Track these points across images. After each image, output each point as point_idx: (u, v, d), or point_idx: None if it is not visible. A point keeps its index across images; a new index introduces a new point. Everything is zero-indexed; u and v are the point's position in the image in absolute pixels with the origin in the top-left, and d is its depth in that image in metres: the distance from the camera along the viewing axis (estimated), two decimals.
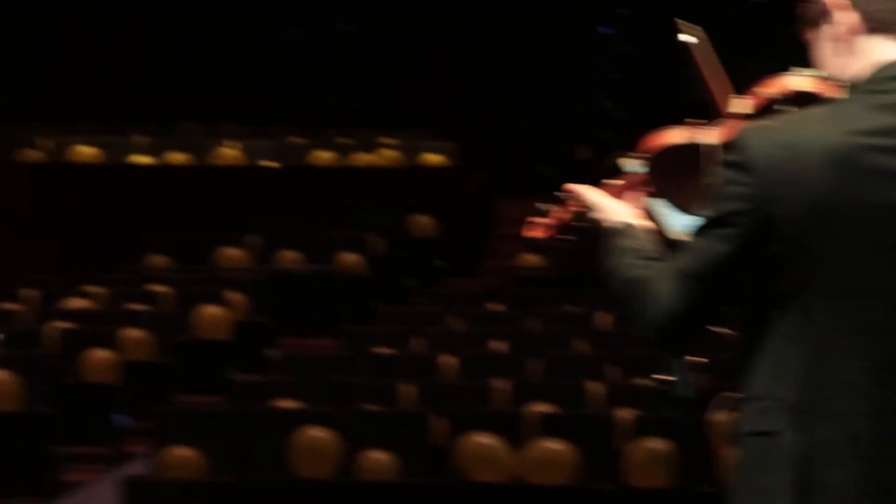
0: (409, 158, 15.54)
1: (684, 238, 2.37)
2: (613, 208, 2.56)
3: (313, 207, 14.05)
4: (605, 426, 8.13)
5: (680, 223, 2.51)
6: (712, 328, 2.35)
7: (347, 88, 16.68)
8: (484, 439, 8.09)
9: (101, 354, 10.08)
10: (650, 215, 2.55)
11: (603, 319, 10.69)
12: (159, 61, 16.21)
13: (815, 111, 2.31)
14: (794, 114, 2.36)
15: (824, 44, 2.36)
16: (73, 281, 12.07)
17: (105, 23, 16.37)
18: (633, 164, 2.60)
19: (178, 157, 15.20)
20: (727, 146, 2.29)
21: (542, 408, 8.39)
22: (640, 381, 8.84)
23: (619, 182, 2.62)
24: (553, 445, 8.05)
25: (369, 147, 15.60)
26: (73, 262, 13.05)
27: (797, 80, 2.47)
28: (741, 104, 2.51)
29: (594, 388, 8.70)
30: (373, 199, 14.28)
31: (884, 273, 2.20)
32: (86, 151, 15.04)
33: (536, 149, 16.11)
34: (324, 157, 15.42)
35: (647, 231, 2.50)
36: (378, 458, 8.11)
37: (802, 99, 2.43)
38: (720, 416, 6.85)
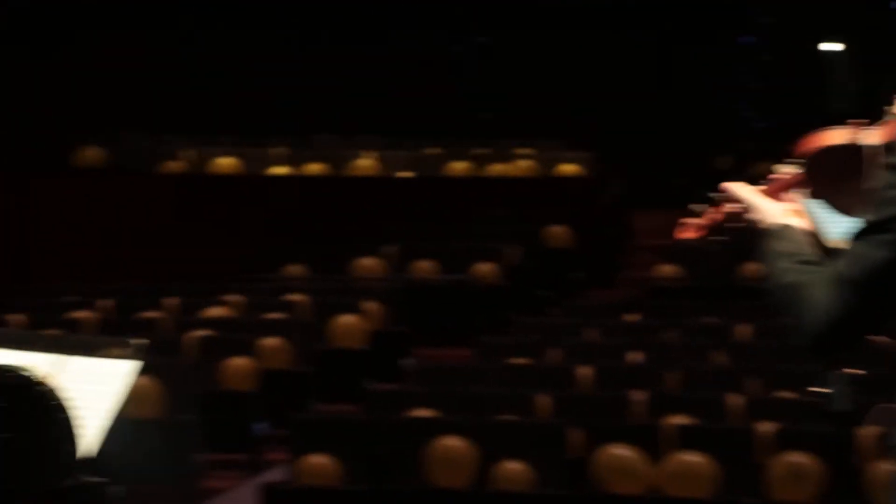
0: (544, 169, 15.48)
1: (843, 242, 2.29)
2: (770, 209, 2.46)
3: (449, 218, 14.07)
4: (746, 439, 7.99)
5: (839, 226, 2.42)
6: (870, 338, 2.26)
7: (483, 99, 16.68)
8: (621, 451, 8.01)
9: (239, 362, 10.18)
10: (808, 217, 2.46)
11: (742, 331, 10.53)
12: (297, 75, 16.38)
13: None
14: None
15: None
16: (212, 290, 12.22)
17: (245, 38, 16.58)
18: (790, 166, 2.51)
19: (315, 168, 15.33)
20: (889, 148, 2.21)
21: (680, 420, 8.28)
22: (781, 394, 8.69)
23: (776, 182, 2.53)
24: (692, 458, 7.94)
25: (505, 157, 15.58)
26: (212, 272, 13.22)
27: None
28: None
29: (734, 400, 8.56)
30: (508, 209, 14.25)
31: None
32: (225, 163, 15.24)
33: (674, 159, 15.95)
34: (459, 167, 15.44)
35: (805, 233, 2.40)
36: (514, 468, 8.07)
37: None
38: (871, 430, 6.69)
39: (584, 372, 9.33)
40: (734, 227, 2.51)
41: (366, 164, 15.31)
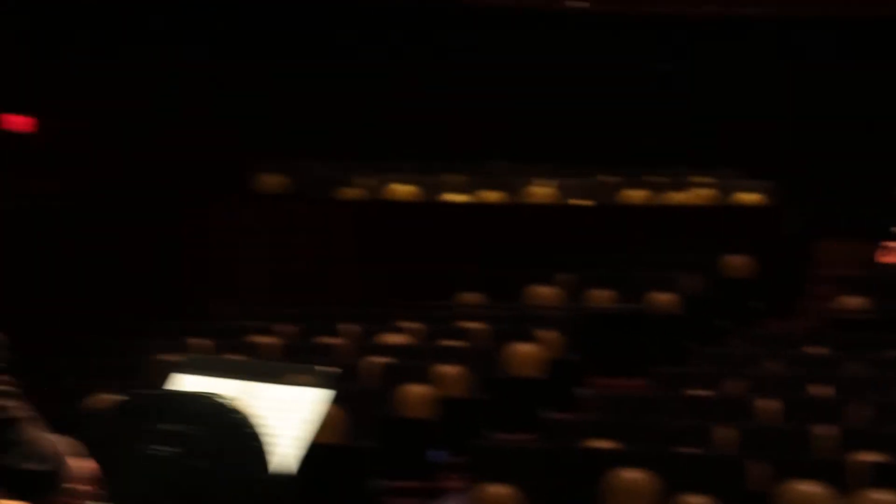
0: (723, 197, 15.26)
1: None
2: None
3: (626, 246, 13.94)
4: None
5: None
6: None
7: (660, 127, 16.52)
8: (808, 487, 7.80)
9: (417, 389, 10.21)
10: None
11: None
12: (473, 101, 16.42)
13: None
14: None
15: None
16: (390, 316, 12.29)
17: (422, 66, 16.70)
18: None
19: (491, 196, 15.35)
20: None
21: (869, 456, 8.04)
22: None
23: None
24: (883, 497, 7.70)
25: (682, 185, 15.40)
26: (390, 298, 13.30)
27: None
28: None
29: None
30: (686, 238, 14.06)
31: None
32: (402, 190, 15.35)
33: (858, 188, 15.58)
34: (636, 195, 15.30)
35: None
36: (695, 502, 7.92)
37: None
38: None
39: (767, 404, 9.13)
40: None
41: (542, 191, 15.26)
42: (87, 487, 2.76)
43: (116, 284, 13.15)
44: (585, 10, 16.46)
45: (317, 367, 2.88)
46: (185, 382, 2.84)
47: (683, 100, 16.73)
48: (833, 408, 9.06)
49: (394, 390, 10.13)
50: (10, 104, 13.64)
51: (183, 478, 2.00)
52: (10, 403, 2.62)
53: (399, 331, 11.82)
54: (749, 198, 15.21)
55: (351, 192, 15.49)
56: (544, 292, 13.20)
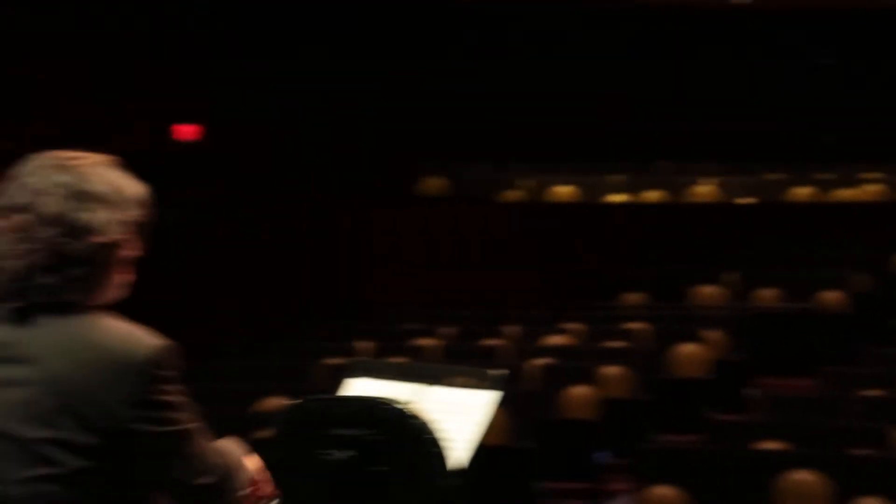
0: (893, 193, 14.89)
1: None
2: None
3: (792, 244, 13.70)
4: None
5: None
6: None
7: (827, 122, 16.19)
8: None
9: (580, 391, 10.14)
10: None
11: None
12: (634, 102, 16.30)
13: None
14: None
15: None
16: (552, 318, 12.25)
17: (582, 66, 16.61)
18: None
19: (653, 196, 15.21)
20: None
21: None
22: None
23: None
24: None
25: (851, 182, 15.07)
26: (552, 299, 13.27)
27: None
28: None
29: None
30: (855, 235, 13.76)
31: None
32: (564, 191, 15.30)
33: None
34: (803, 192, 15.03)
35: None
36: None
37: None
38: None
39: None
40: None
41: (705, 190, 15.08)
42: (257, 490, 2.79)
43: (280, 287, 13.34)
44: (747, 5, 16.22)
45: (485, 370, 2.86)
46: (354, 386, 2.85)
47: (846, 97, 16.38)
48: None
49: (556, 392, 10.09)
50: (179, 114, 13.94)
51: (357, 482, 1.99)
52: (183, 416, 2.65)
53: (562, 332, 11.78)
54: None
55: (512, 195, 15.48)
56: (709, 292, 13.05)
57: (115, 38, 13.49)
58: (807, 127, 16.24)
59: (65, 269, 2.60)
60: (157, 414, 2.59)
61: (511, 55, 16.66)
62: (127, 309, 2.72)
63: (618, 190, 15.34)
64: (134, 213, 2.71)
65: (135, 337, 2.62)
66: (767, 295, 12.85)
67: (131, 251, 2.72)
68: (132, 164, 2.80)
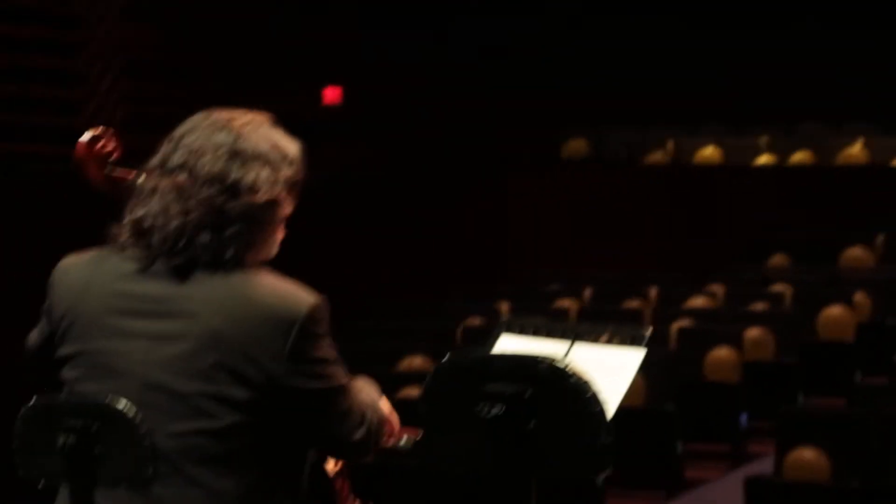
0: None
1: None
2: None
3: None
4: None
5: None
6: None
7: None
8: None
9: (722, 353, 10.06)
10: None
11: None
12: (781, 64, 16.03)
13: None
14: None
15: None
16: (695, 280, 12.17)
17: (725, 29, 16.39)
18: None
19: (800, 158, 14.98)
20: None
21: None
22: None
23: None
24: None
25: None
26: (695, 262, 13.17)
27: None
28: None
29: None
30: None
31: None
32: (709, 154, 15.15)
33: None
34: None
35: None
36: None
37: None
38: None
39: None
40: None
41: (854, 152, 14.80)
42: (393, 431, 2.84)
43: (422, 249, 13.43)
44: None
45: (632, 327, 2.87)
46: (502, 342, 2.88)
47: None
48: None
49: (698, 354, 10.03)
50: (327, 77, 14.06)
51: (512, 440, 2.00)
52: (337, 371, 2.70)
53: (705, 294, 11.70)
54: None
55: (657, 158, 15.38)
56: (857, 255, 12.83)
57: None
58: None
59: (223, 227, 2.66)
60: (313, 369, 2.63)
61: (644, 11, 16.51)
62: (275, 267, 2.77)
63: (764, 152, 15.13)
64: (290, 172, 2.76)
65: (291, 293, 2.67)
66: None
67: (287, 209, 2.78)
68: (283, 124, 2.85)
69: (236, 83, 11.66)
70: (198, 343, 2.61)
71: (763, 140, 15.23)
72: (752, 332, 10.36)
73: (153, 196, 2.68)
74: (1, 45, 10.50)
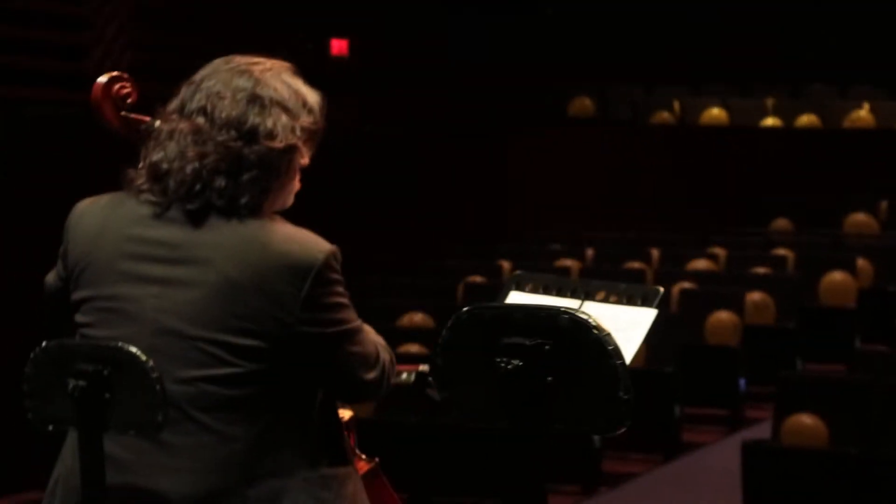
0: None
1: None
2: None
3: None
4: None
5: None
6: None
7: None
8: None
9: (722, 316, 10.05)
10: None
11: None
12: (790, 23, 15.95)
13: None
14: None
15: None
16: (698, 242, 12.15)
17: None
18: None
19: (806, 121, 14.93)
20: None
21: None
22: None
23: None
24: None
25: None
26: (699, 224, 13.15)
27: None
28: None
29: None
30: None
31: None
32: (714, 114, 15.10)
33: None
34: None
35: None
36: None
37: None
38: None
39: None
40: None
41: (861, 116, 14.75)
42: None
43: (423, 206, 13.40)
44: None
45: (643, 287, 2.85)
46: (512, 297, 2.86)
47: None
48: None
49: (699, 317, 10.01)
50: (335, 28, 13.99)
51: (531, 393, 1.98)
52: (351, 316, 2.68)
53: (707, 257, 11.68)
54: None
55: (662, 117, 15.33)
56: (860, 220, 12.81)
57: None
58: None
59: (239, 172, 2.64)
60: (327, 316, 2.63)
61: None
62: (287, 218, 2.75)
63: (770, 114, 15.08)
64: (309, 120, 2.73)
65: (307, 239, 2.65)
66: None
67: (304, 158, 2.75)
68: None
69: (243, 33, 11.59)
70: (211, 289, 2.59)
71: (769, 102, 15.17)
72: (754, 296, 10.35)
73: (171, 140, 2.65)
74: None
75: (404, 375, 2.92)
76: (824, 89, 15.45)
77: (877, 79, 15.23)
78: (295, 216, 2.77)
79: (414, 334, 9.07)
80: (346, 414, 2.82)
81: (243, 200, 2.64)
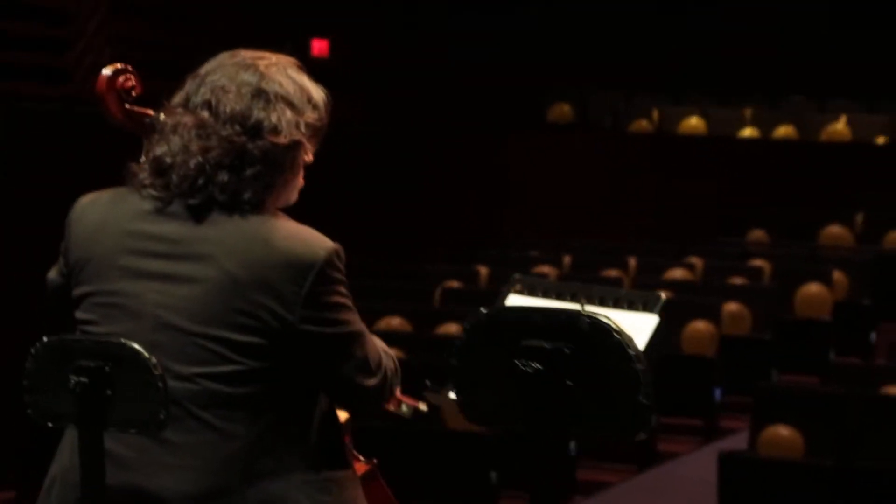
0: None
1: None
2: None
3: None
4: None
5: None
6: None
7: None
8: None
9: (699, 326, 10.05)
10: None
11: None
12: (772, 34, 15.98)
13: None
14: None
15: None
16: (675, 252, 12.16)
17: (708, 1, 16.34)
18: None
19: (783, 132, 14.97)
20: None
21: None
22: None
23: None
24: None
25: None
26: (675, 233, 13.15)
27: None
28: None
29: None
30: None
31: None
32: (693, 124, 15.12)
33: None
34: None
35: None
36: None
37: None
38: None
39: None
40: None
41: (838, 129, 14.79)
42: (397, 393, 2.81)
43: (401, 210, 13.37)
44: None
45: (645, 293, 2.83)
46: (513, 302, 2.82)
47: None
48: None
49: (675, 326, 10.01)
50: (313, 28, 13.96)
51: (550, 396, 1.95)
52: (353, 317, 2.65)
53: (684, 266, 11.68)
54: None
55: (641, 125, 15.34)
56: (836, 233, 12.84)
57: None
58: None
59: (242, 167, 2.61)
60: (327, 315, 2.59)
61: None
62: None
63: (748, 125, 15.11)
64: (314, 116, 2.70)
65: (310, 237, 2.62)
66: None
67: (308, 155, 2.73)
68: None
69: (223, 32, 11.54)
70: (213, 286, 2.56)
71: (748, 112, 15.20)
72: (730, 307, 10.36)
73: (174, 134, 2.62)
74: None
75: (404, 408, 2.88)
76: (802, 101, 15.50)
77: (854, 92, 15.28)
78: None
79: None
80: (342, 415, 2.78)
81: (246, 196, 2.61)
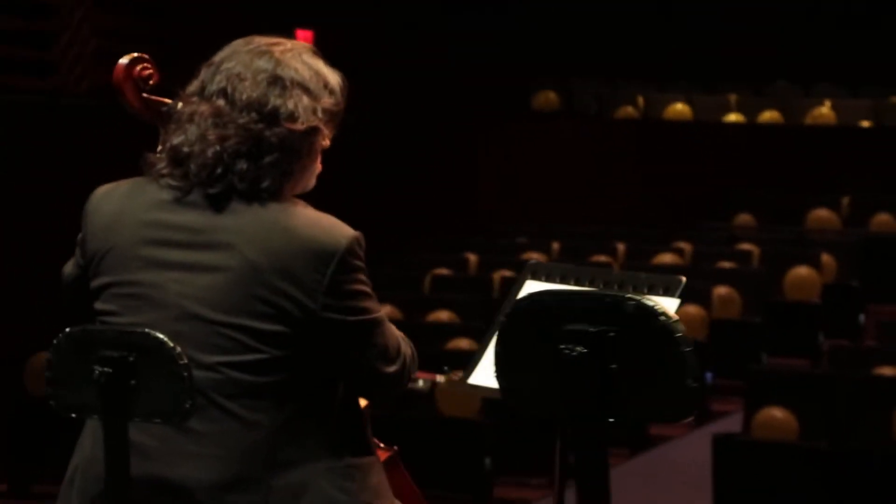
0: None
1: None
2: None
3: None
4: None
5: None
6: None
7: None
8: None
9: (689, 311, 10.06)
10: None
11: None
12: (757, 20, 15.99)
13: None
14: None
15: None
16: (662, 237, 12.17)
17: None
18: None
19: (769, 117, 14.99)
20: None
21: None
22: None
23: None
24: None
25: None
26: (665, 218, 13.17)
27: None
28: None
29: None
30: None
31: None
32: (678, 110, 15.12)
33: None
34: None
35: None
36: None
37: None
38: None
39: None
40: None
41: (823, 113, 14.82)
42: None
43: (389, 199, 13.35)
44: None
45: (666, 277, 2.84)
46: (531, 287, 2.82)
47: None
48: None
49: None
50: (297, 18, 13.91)
51: (595, 381, 1.93)
52: (374, 305, 2.64)
53: (672, 251, 11.70)
54: None
55: (627, 112, 15.34)
56: (823, 216, 12.88)
57: None
58: None
59: (260, 155, 2.59)
60: (349, 303, 2.59)
61: None
62: None
63: (733, 110, 15.12)
64: (331, 101, 2.69)
65: (331, 225, 2.62)
66: (882, 220, 12.67)
67: (326, 140, 2.71)
68: None
69: (207, 23, 11.50)
70: (234, 275, 2.55)
71: (733, 98, 15.22)
72: (720, 291, 10.37)
73: (191, 123, 2.60)
74: None
75: (420, 383, 2.87)
76: (787, 86, 15.52)
77: (839, 77, 15.31)
78: None
79: None
80: (361, 402, 2.78)
81: (265, 184, 2.59)
